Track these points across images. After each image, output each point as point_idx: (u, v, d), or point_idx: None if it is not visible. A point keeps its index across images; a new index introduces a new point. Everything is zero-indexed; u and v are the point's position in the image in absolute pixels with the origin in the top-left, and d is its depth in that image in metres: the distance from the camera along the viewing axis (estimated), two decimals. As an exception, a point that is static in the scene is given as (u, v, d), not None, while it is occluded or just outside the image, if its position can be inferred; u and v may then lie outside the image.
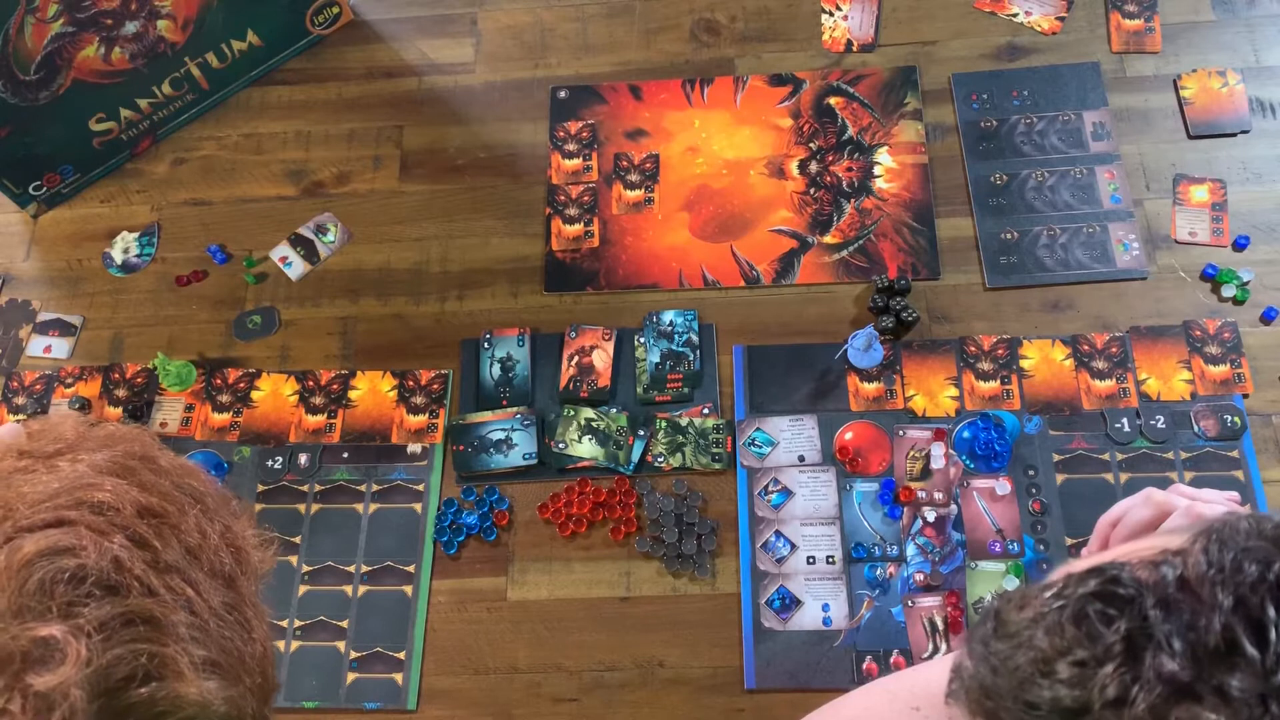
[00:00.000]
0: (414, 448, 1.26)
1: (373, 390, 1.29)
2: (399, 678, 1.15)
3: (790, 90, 1.43)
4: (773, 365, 1.26)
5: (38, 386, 1.32)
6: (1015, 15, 1.45)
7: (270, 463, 1.26)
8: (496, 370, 1.29)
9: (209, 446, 1.28)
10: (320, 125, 1.47)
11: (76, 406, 1.29)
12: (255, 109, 1.49)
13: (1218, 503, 0.85)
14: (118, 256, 1.40)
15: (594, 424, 1.24)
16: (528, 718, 1.13)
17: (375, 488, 1.24)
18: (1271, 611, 0.47)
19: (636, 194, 1.38)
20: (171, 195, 1.44)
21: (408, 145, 1.45)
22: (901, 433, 1.22)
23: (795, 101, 1.42)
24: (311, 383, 1.30)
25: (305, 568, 1.21)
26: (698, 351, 1.27)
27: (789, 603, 1.15)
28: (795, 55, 1.46)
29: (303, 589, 1.20)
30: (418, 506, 1.23)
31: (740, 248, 1.34)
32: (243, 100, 1.49)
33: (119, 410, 1.29)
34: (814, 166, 1.38)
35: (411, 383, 1.29)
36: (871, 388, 1.24)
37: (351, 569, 1.20)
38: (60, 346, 1.35)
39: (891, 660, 1.12)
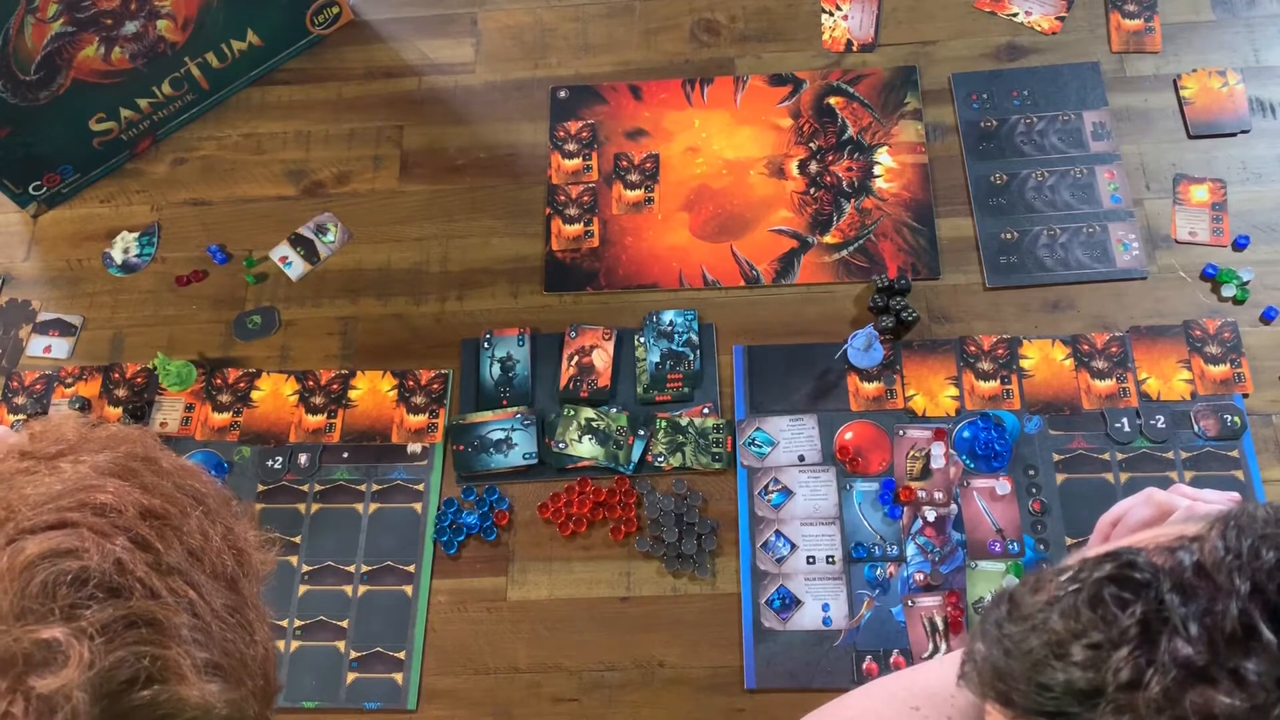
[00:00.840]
0: (414, 448, 1.26)
1: (373, 390, 1.29)
2: (399, 678, 1.15)
3: (790, 90, 1.43)
4: (773, 365, 1.26)
5: (38, 386, 1.32)
6: (1015, 15, 1.45)
7: (270, 463, 1.26)
8: (496, 370, 1.29)
9: (209, 446, 1.28)
10: (320, 125, 1.47)
11: (76, 406, 1.29)
12: (255, 109, 1.49)
13: (1219, 503, 0.85)
14: (118, 256, 1.40)
15: (594, 424, 1.24)
16: (528, 718, 1.13)
17: (375, 487, 1.24)
18: None
19: (636, 194, 1.38)
20: (171, 195, 1.44)
21: (408, 145, 1.45)
22: (901, 432, 1.22)
23: (795, 101, 1.42)
24: (311, 383, 1.30)
25: (305, 568, 1.21)
26: (698, 351, 1.27)
27: (789, 602, 1.15)
28: (795, 55, 1.46)
29: (303, 589, 1.20)
30: (418, 506, 1.23)
31: (740, 248, 1.34)
32: (243, 100, 1.49)
33: (119, 410, 1.29)
34: (814, 166, 1.38)
35: (411, 383, 1.29)
36: (871, 388, 1.24)
37: (351, 569, 1.20)
38: (60, 346, 1.35)
39: (891, 660, 1.12)
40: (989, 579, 1.14)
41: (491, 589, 1.19)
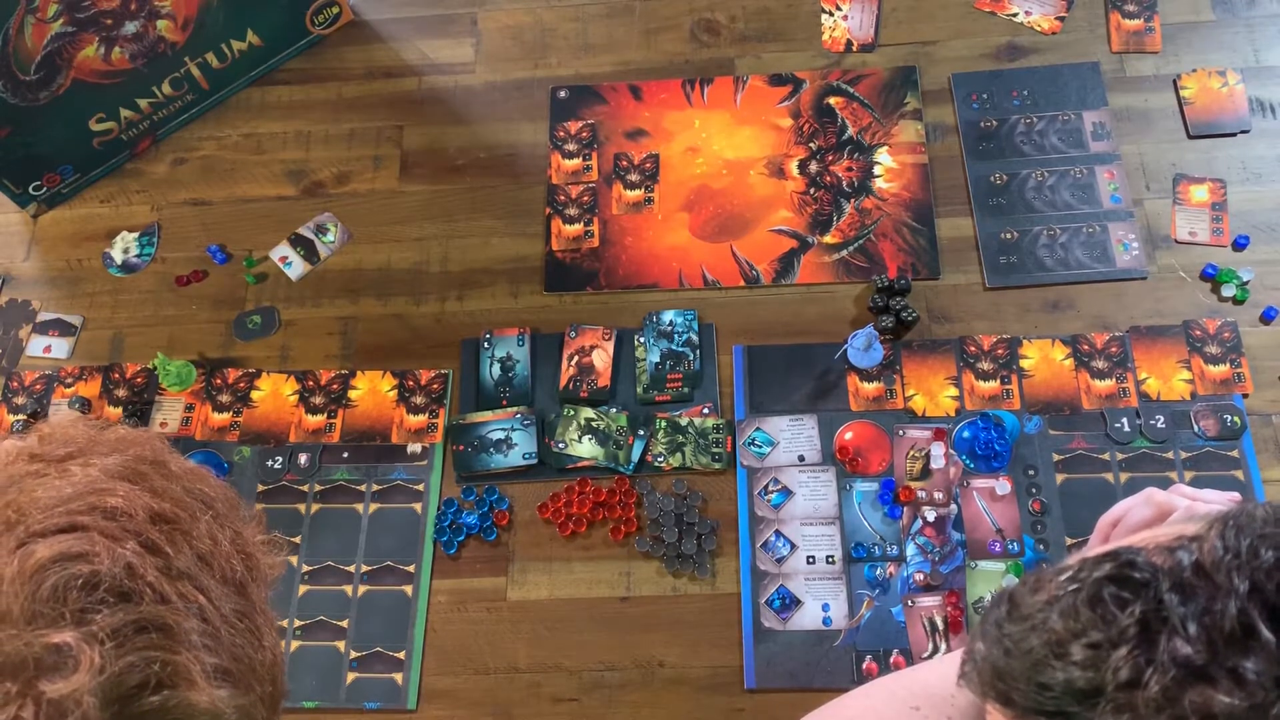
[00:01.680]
0: (414, 448, 1.26)
1: (373, 390, 1.29)
2: (399, 677, 1.15)
3: (790, 90, 1.43)
4: (773, 365, 1.26)
5: (38, 386, 1.32)
6: (1015, 15, 1.45)
7: (270, 463, 1.26)
8: (496, 370, 1.29)
9: (209, 446, 1.28)
10: (320, 125, 1.47)
11: (76, 406, 1.29)
12: (255, 109, 1.49)
13: (1218, 503, 0.85)
14: (118, 256, 1.40)
15: (594, 424, 1.24)
16: (528, 718, 1.13)
17: (375, 488, 1.24)
18: None
19: (636, 194, 1.38)
20: (171, 195, 1.44)
21: (408, 145, 1.45)
22: (901, 432, 1.22)
23: (795, 101, 1.42)
24: (311, 383, 1.30)
25: (305, 568, 1.21)
26: (698, 351, 1.27)
27: (789, 602, 1.15)
28: (795, 55, 1.46)
29: (303, 589, 1.20)
30: (418, 506, 1.23)
31: (740, 248, 1.34)
32: (243, 100, 1.49)
33: (119, 410, 1.29)
34: (814, 166, 1.38)
35: (411, 383, 1.29)
36: (871, 387, 1.24)
37: (351, 569, 1.20)
38: (60, 346, 1.35)
39: (891, 660, 1.12)
40: (989, 579, 1.14)
41: (491, 589, 1.19)
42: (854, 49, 1.45)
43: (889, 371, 1.25)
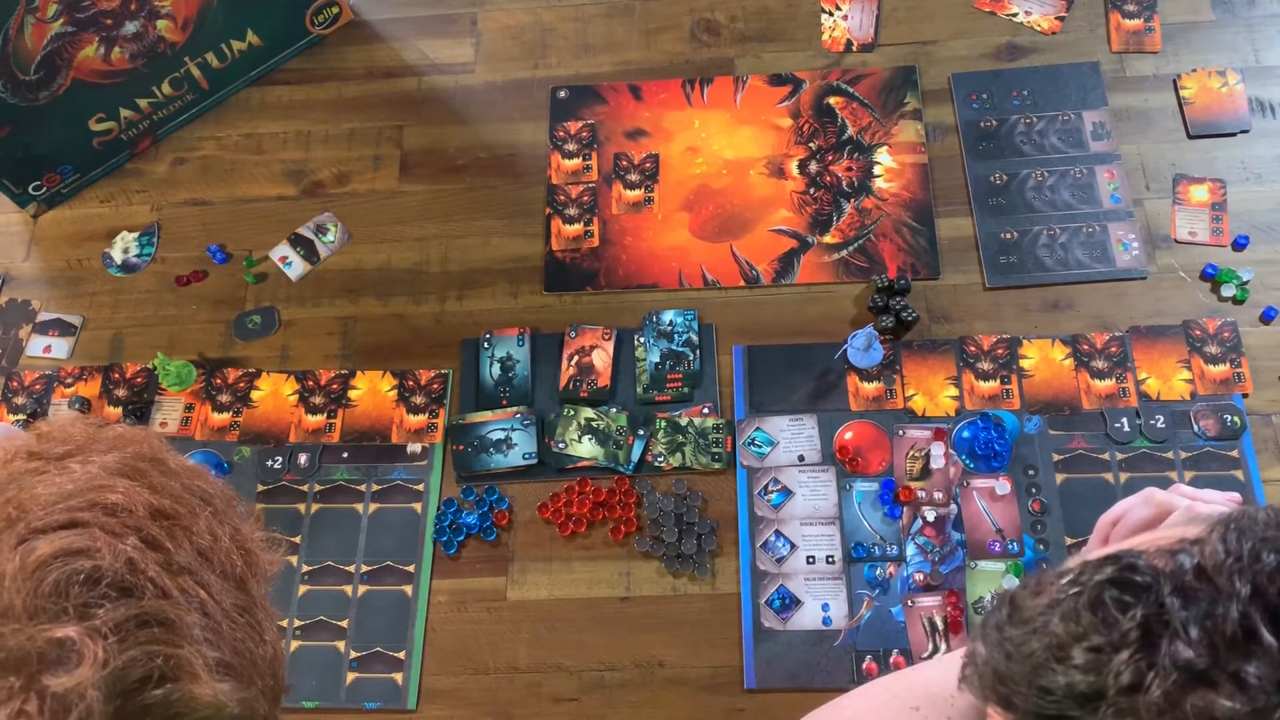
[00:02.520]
0: (414, 448, 1.26)
1: (373, 390, 1.29)
2: (399, 677, 1.15)
3: (790, 90, 1.43)
4: (773, 365, 1.26)
5: (37, 386, 1.32)
6: (1015, 15, 1.45)
7: (270, 463, 1.26)
8: (496, 370, 1.29)
9: (209, 446, 1.28)
10: (320, 125, 1.47)
11: (76, 406, 1.29)
12: (255, 109, 1.49)
13: (1219, 503, 0.85)
14: (118, 256, 1.40)
15: (594, 424, 1.24)
16: (528, 718, 1.13)
17: (375, 488, 1.24)
18: None
19: (636, 194, 1.38)
20: (171, 195, 1.44)
21: (408, 145, 1.45)
22: (901, 432, 1.22)
23: (795, 101, 1.42)
24: (311, 383, 1.30)
25: (305, 568, 1.21)
26: (698, 351, 1.27)
27: (789, 602, 1.15)
28: (795, 55, 1.46)
29: (303, 589, 1.20)
30: (418, 506, 1.23)
31: (740, 248, 1.34)
32: (243, 100, 1.49)
33: (119, 410, 1.29)
34: (814, 166, 1.38)
35: (411, 383, 1.29)
36: (871, 387, 1.24)
37: (351, 569, 1.20)
38: (60, 346, 1.35)
39: (891, 660, 1.12)
40: (989, 579, 1.14)
41: (491, 589, 1.19)
42: (854, 49, 1.45)
43: (889, 371, 1.25)
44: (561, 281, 1.34)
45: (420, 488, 1.24)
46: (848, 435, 1.22)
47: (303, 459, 1.26)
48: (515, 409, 1.26)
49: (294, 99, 1.49)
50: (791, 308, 1.30)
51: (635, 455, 1.22)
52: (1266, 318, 1.24)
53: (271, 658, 0.59)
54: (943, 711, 0.81)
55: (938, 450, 1.20)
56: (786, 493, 1.20)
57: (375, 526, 1.22)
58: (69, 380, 1.32)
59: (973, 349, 1.25)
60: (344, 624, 1.18)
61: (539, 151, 1.43)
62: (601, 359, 1.28)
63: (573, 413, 1.25)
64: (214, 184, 1.44)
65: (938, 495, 1.18)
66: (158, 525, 0.55)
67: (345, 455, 1.26)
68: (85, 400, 1.30)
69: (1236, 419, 1.19)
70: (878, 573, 1.15)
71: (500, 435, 1.24)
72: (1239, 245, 1.28)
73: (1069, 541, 1.15)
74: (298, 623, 1.18)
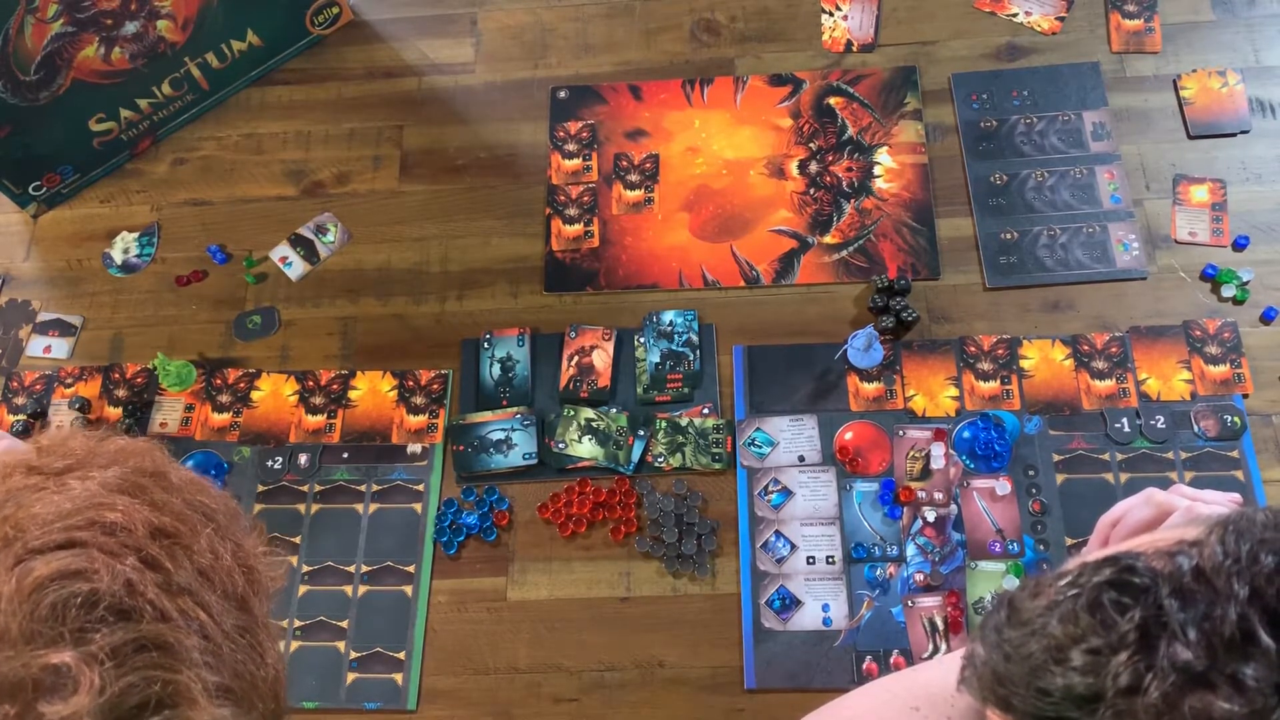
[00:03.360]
0: (414, 448, 1.26)
1: (373, 390, 1.29)
2: (399, 678, 1.15)
3: (790, 90, 1.43)
4: (773, 365, 1.26)
5: (38, 386, 1.32)
6: (1015, 15, 1.45)
7: (270, 463, 1.26)
8: (496, 370, 1.29)
9: (209, 446, 1.28)
10: (320, 125, 1.47)
11: (76, 407, 1.29)
12: (255, 109, 1.49)
13: (1219, 504, 0.85)
14: (118, 256, 1.40)
15: (594, 424, 1.24)
16: (528, 718, 1.13)
17: (375, 488, 1.24)
18: None
19: (636, 194, 1.38)
20: (171, 195, 1.44)
21: (408, 145, 1.45)
22: (901, 433, 1.22)
23: (795, 101, 1.42)
24: (311, 383, 1.30)
25: (305, 568, 1.21)
26: (698, 351, 1.27)
27: (789, 603, 1.15)
28: (795, 55, 1.46)
29: (303, 589, 1.20)
30: (418, 506, 1.23)
31: (740, 248, 1.34)
32: (243, 100, 1.49)
33: (119, 410, 1.29)
34: (814, 166, 1.38)
35: (411, 383, 1.29)
36: (871, 388, 1.24)
37: (351, 569, 1.20)
38: (60, 346, 1.35)
39: (891, 660, 1.12)
40: (989, 579, 1.14)
41: (491, 589, 1.19)
42: (854, 49, 1.45)
43: (889, 372, 1.25)
44: (561, 281, 1.34)
45: (420, 488, 1.24)
46: (848, 435, 1.22)
47: (303, 459, 1.26)
48: (515, 409, 1.26)
49: (294, 99, 1.49)
50: (791, 308, 1.30)
51: (635, 455, 1.22)
52: (1267, 318, 1.24)
53: (272, 680, 0.58)
54: (943, 712, 0.82)
55: (938, 450, 1.20)
56: (786, 493, 1.20)
57: (375, 527, 1.22)
58: (69, 380, 1.32)
59: (973, 349, 1.25)
60: (344, 624, 1.18)
61: (539, 151, 1.43)
62: (601, 359, 1.28)
63: (573, 413, 1.25)
64: (214, 184, 1.44)
65: (938, 495, 1.18)
66: (157, 544, 0.54)
67: (345, 455, 1.26)
68: (85, 400, 1.30)
69: (1236, 419, 1.19)
70: (878, 573, 1.15)
71: (500, 435, 1.24)
72: (1239, 245, 1.28)
73: (1069, 542, 1.15)
74: (298, 623, 1.18)
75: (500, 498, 1.22)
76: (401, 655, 1.16)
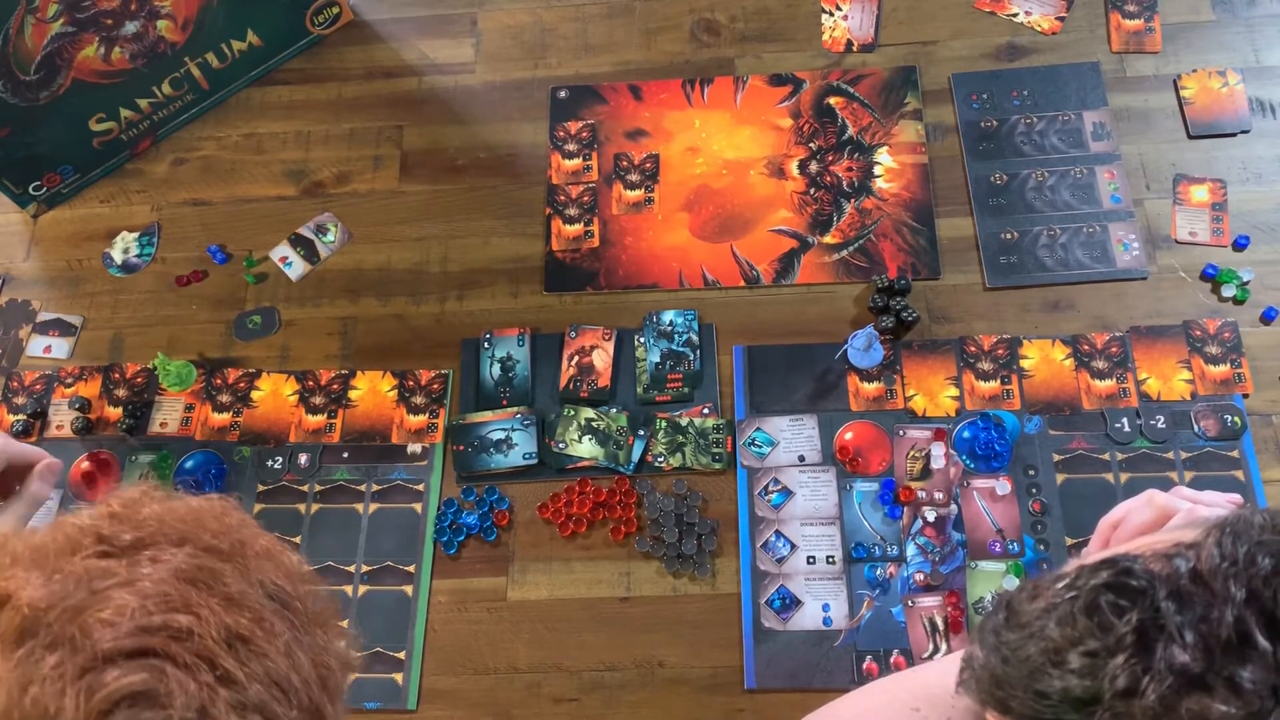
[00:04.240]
0: (414, 448, 1.26)
1: (373, 390, 1.29)
2: (399, 678, 1.15)
3: (790, 90, 1.43)
4: (773, 365, 1.26)
5: (38, 386, 1.32)
6: (1015, 15, 1.45)
7: (270, 463, 1.26)
8: (496, 370, 1.29)
9: (209, 446, 1.28)
10: (320, 125, 1.47)
11: (76, 407, 1.29)
12: (255, 109, 1.49)
13: (1220, 505, 0.85)
14: (118, 256, 1.40)
15: (594, 424, 1.24)
16: (528, 718, 1.13)
17: (375, 488, 1.24)
18: None
19: (636, 194, 1.38)
20: (171, 195, 1.44)
21: (408, 145, 1.45)
22: (901, 433, 1.22)
23: (795, 101, 1.42)
24: (311, 383, 1.30)
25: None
26: (698, 351, 1.27)
27: (789, 603, 1.15)
28: (795, 55, 1.46)
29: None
30: (418, 506, 1.23)
31: (740, 248, 1.34)
32: (243, 100, 1.49)
33: (119, 410, 1.29)
34: (814, 166, 1.38)
35: (411, 383, 1.29)
36: (871, 388, 1.24)
37: (351, 569, 1.20)
38: (60, 346, 1.35)
39: (891, 660, 1.12)
40: (989, 579, 1.14)
41: (491, 589, 1.19)
42: (854, 49, 1.45)
43: (889, 371, 1.25)
44: (561, 281, 1.34)
45: (420, 488, 1.24)
46: (848, 435, 1.22)
47: (303, 459, 1.26)
48: (515, 409, 1.26)
49: (294, 99, 1.49)
50: (792, 308, 1.30)
51: (635, 455, 1.22)
52: (1267, 318, 1.24)
53: None
54: (943, 712, 0.82)
55: (938, 450, 1.20)
56: (787, 493, 1.20)
57: (375, 526, 1.22)
58: (69, 380, 1.32)
59: (973, 349, 1.25)
60: (344, 624, 1.18)
61: (539, 151, 1.43)
62: (601, 359, 1.28)
63: (573, 413, 1.25)
64: (214, 184, 1.44)
65: (938, 495, 1.18)
66: (232, 654, 0.51)
67: (345, 455, 1.26)
68: (85, 400, 1.30)
69: (1237, 419, 1.19)
70: (878, 573, 1.15)
71: (500, 435, 1.24)
72: (1239, 245, 1.28)
73: (1069, 542, 1.15)
74: (298, 623, 1.18)
75: (500, 498, 1.22)
76: (401, 655, 1.16)
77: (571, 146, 1.42)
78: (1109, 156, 1.34)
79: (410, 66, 1.50)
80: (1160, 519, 0.83)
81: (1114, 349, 1.24)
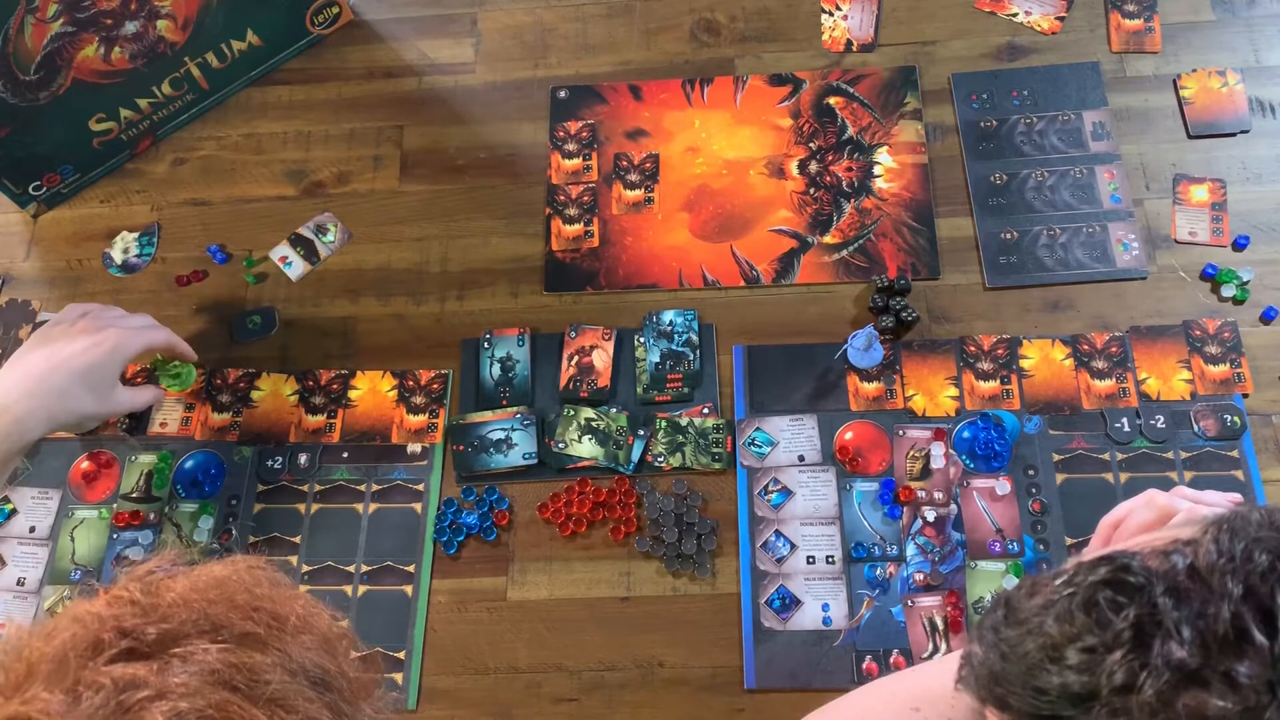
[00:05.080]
0: (414, 448, 1.26)
1: (373, 390, 1.29)
2: (399, 678, 1.15)
3: (790, 90, 1.43)
4: (773, 365, 1.26)
5: (38, 386, 1.32)
6: (1015, 15, 1.45)
7: (270, 463, 1.26)
8: (496, 370, 1.29)
9: (209, 446, 1.28)
10: (320, 125, 1.47)
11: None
12: (255, 109, 1.49)
13: (1220, 505, 0.85)
14: (118, 256, 1.40)
15: (594, 424, 1.24)
16: (528, 718, 1.13)
17: (375, 488, 1.24)
18: None
19: (636, 194, 1.38)
20: (171, 195, 1.44)
21: (408, 145, 1.45)
22: (901, 432, 1.22)
23: (795, 101, 1.42)
24: (311, 383, 1.30)
25: (305, 568, 1.21)
26: (698, 351, 1.27)
27: (789, 602, 1.15)
28: (795, 55, 1.46)
29: (303, 589, 1.19)
30: (418, 506, 1.23)
31: (740, 248, 1.34)
32: (243, 100, 1.49)
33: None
34: (814, 166, 1.38)
35: (411, 383, 1.29)
36: (871, 388, 1.25)
37: (351, 569, 1.20)
38: (60, 346, 1.35)
39: (891, 660, 1.12)
40: (989, 579, 1.14)
41: (491, 589, 1.19)
42: (854, 49, 1.45)
43: (889, 371, 1.25)
44: (561, 281, 1.34)
45: (420, 488, 1.24)
46: (848, 435, 1.22)
47: (303, 459, 1.26)
48: (515, 409, 1.26)
49: (294, 99, 1.49)
50: (791, 308, 1.30)
51: (635, 455, 1.22)
52: (1266, 318, 1.24)
53: None
54: (943, 712, 0.82)
55: (938, 450, 1.20)
56: (786, 493, 1.20)
57: (375, 526, 1.22)
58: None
59: (973, 349, 1.25)
60: (344, 624, 1.18)
61: (539, 151, 1.43)
62: (601, 359, 1.28)
63: (573, 413, 1.25)
64: (214, 184, 1.44)
65: (938, 495, 1.18)
66: None
67: (345, 455, 1.26)
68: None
69: (1236, 419, 1.19)
70: (878, 573, 1.15)
71: (500, 435, 1.24)
72: (1239, 245, 1.28)
73: (1069, 542, 1.15)
74: (298, 623, 1.18)
75: (500, 497, 1.22)
76: (401, 655, 1.16)
77: (571, 146, 1.42)
78: (1109, 156, 1.34)
79: (410, 66, 1.50)
80: (1161, 519, 0.84)
81: (1114, 349, 1.24)
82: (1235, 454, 1.18)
